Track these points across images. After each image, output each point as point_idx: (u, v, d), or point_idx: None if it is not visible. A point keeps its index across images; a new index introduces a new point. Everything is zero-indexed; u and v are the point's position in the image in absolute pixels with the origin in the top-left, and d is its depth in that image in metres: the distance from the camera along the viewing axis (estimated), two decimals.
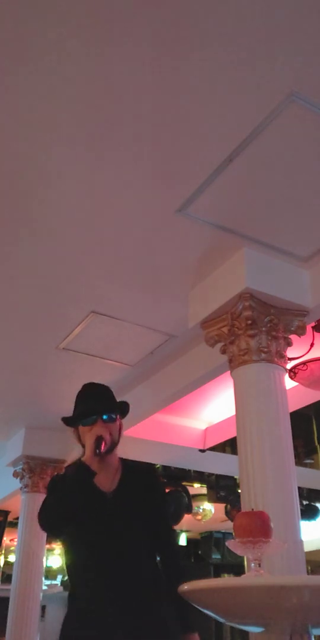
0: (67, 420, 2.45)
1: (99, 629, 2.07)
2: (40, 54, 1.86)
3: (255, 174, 2.36)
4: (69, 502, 2.22)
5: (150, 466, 2.47)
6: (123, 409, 2.39)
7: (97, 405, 2.35)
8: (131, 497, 2.26)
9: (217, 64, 1.88)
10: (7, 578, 7.67)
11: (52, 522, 2.33)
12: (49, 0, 1.71)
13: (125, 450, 2.43)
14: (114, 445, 2.29)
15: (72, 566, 2.32)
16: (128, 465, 2.37)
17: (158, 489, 2.44)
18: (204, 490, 6.53)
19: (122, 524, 2.20)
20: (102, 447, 2.18)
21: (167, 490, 6.22)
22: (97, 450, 2.17)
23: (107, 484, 2.28)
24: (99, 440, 2.20)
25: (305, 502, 6.56)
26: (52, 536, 2.50)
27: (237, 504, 5.90)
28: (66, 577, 10.70)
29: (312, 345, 3.40)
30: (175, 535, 2.28)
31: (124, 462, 2.38)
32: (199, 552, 8.90)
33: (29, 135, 2.18)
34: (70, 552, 2.33)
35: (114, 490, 2.27)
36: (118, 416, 2.35)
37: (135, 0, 1.70)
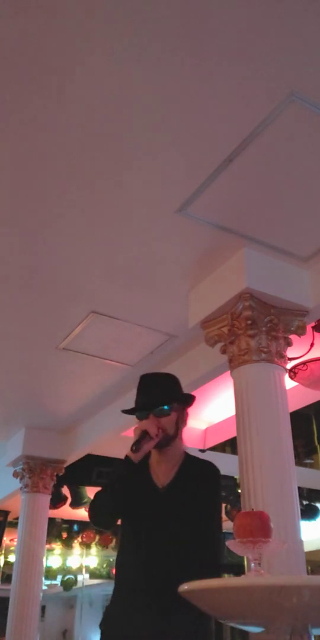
0: (126, 411, 2.36)
1: (128, 628, 2.06)
2: (40, 54, 1.86)
3: (255, 174, 2.36)
4: (117, 495, 2.18)
5: (211, 465, 2.36)
6: (183, 400, 2.32)
7: (147, 398, 2.27)
8: (184, 492, 2.19)
9: (217, 64, 1.88)
10: (7, 578, 7.69)
11: (97, 515, 2.28)
12: (49, 1, 1.71)
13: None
14: (168, 438, 2.23)
15: (119, 559, 2.29)
16: (189, 460, 2.30)
17: (210, 485, 2.28)
18: None
19: (171, 521, 2.14)
20: (143, 443, 2.15)
21: None
22: (134, 446, 2.14)
23: (163, 478, 2.24)
24: (143, 434, 2.16)
25: (305, 502, 6.56)
26: (101, 528, 2.43)
27: (237, 504, 5.91)
28: (66, 577, 10.72)
29: (312, 345, 3.40)
30: (214, 544, 2.19)
31: (187, 456, 2.31)
32: None
33: (29, 136, 2.18)
34: (120, 545, 2.31)
35: (168, 485, 2.22)
36: (175, 408, 2.27)
37: (135, 0, 1.70)
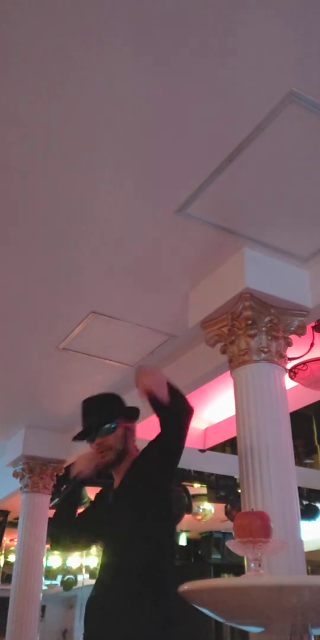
0: (76, 439, 2.44)
1: (89, 630, 2.13)
2: (40, 55, 1.86)
3: (255, 174, 2.36)
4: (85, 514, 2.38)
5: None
6: (128, 414, 2.37)
7: (91, 420, 2.33)
8: (131, 486, 2.23)
9: (217, 64, 1.88)
10: (7, 578, 7.68)
11: (57, 538, 2.46)
12: (49, 1, 1.71)
13: None
14: (118, 454, 2.28)
15: None
16: (134, 460, 2.31)
17: (148, 449, 2.28)
18: (204, 490, 6.53)
19: (120, 517, 2.20)
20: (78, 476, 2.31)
21: None
22: (65, 488, 2.31)
23: (117, 483, 2.33)
24: (72, 481, 2.32)
25: (305, 502, 6.55)
26: (58, 546, 2.49)
27: (237, 504, 5.90)
28: (66, 577, 10.73)
29: (312, 345, 3.40)
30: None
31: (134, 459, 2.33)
32: (199, 552, 8.90)
33: (29, 136, 2.18)
34: None
35: (118, 487, 2.30)
36: (120, 422, 2.31)
37: (135, 0, 1.70)
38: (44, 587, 6.10)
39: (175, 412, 2.19)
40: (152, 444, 2.24)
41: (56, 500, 2.54)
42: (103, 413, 2.33)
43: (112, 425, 2.29)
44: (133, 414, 2.39)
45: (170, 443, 2.20)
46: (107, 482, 2.42)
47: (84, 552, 10.14)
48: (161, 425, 2.17)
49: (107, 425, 2.28)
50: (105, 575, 2.18)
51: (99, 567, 2.31)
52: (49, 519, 2.51)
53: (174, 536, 2.32)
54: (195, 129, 2.14)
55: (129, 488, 2.23)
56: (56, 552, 10.28)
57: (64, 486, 2.50)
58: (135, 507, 2.17)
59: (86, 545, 2.52)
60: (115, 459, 2.28)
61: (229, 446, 5.35)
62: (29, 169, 2.34)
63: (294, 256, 2.85)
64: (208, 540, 8.69)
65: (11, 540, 8.21)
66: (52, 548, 2.41)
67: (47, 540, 5.27)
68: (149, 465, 2.20)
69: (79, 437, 2.38)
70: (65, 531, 2.34)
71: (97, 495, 2.45)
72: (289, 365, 3.14)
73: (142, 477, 2.21)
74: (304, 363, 3.39)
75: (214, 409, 4.96)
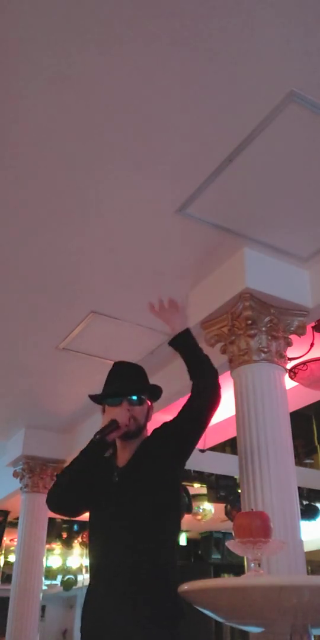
0: (93, 397, 2.30)
1: (90, 619, 2.00)
2: (40, 56, 1.86)
3: (255, 174, 2.36)
4: (78, 475, 2.12)
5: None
6: (153, 392, 2.29)
7: (125, 386, 2.22)
8: (140, 470, 2.12)
9: (217, 64, 1.88)
10: (7, 578, 7.68)
11: (50, 494, 2.19)
12: (50, 2, 1.71)
13: None
14: (139, 428, 2.18)
15: (88, 548, 2.22)
16: (145, 439, 2.22)
17: (163, 430, 2.21)
18: (204, 490, 6.53)
19: (128, 501, 2.07)
20: (111, 434, 2.09)
21: None
22: (99, 434, 2.08)
23: (124, 460, 2.18)
24: (112, 423, 2.09)
25: (305, 502, 6.55)
26: (59, 511, 2.28)
27: (237, 504, 5.90)
28: (66, 577, 10.73)
29: (312, 345, 3.40)
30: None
31: (145, 439, 2.23)
32: (199, 552, 8.90)
33: (29, 136, 2.18)
34: (88, 534, 2.23)
35: (124, 467, 2.16)
36: (147, 399, 2.24)
37: (136, 0, 1.70)
38: (44, 587, 6.10)
39: (211, 383, 2.22)
40: (167, 425, 2.17)
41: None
42: (137, 382, 2.26)
43: (142, 397, 2.22)
44: (157, 393, 2.31)
45: (190, 421, 2.19)
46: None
47: (84, 552, 10.13)
48: (193, 391, 2.18)
49: (139, 396, 2.20)
50: (107, 561, 2.02)
51: (94, 548, 2.12)
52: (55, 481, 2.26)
53: (178, 532, 2.19)
54: (195, 129, 2.14)
55: (138, 471, 2.12)
56: (56, 552, 10.29)
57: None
58: (144, 492, 2.06)
59: (77, 514, 2.26)
60: (134, 431, 2.16)
61: (229, 446, 5.35)
62: (29, 168, 2.34)
63: (294, 256, 2.85)
64: (208, 540, 8.69)
65: (11, 540, 8.21)
66: (50, 506, 2.19)
67: (47, 540, 5.28)
68: (162, 450, 2.12)
69: (100, 397, 2.26)
70: (72, 497, 2.16)
71: (92, 459, 2.17)
72: (289, 365, 3.14)
73: (153, 461, 2.11)
74: (304, 363, 3.39)
75: None
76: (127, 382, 2.24)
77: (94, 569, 2.10)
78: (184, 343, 2.32)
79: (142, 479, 2.10)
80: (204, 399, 2.23)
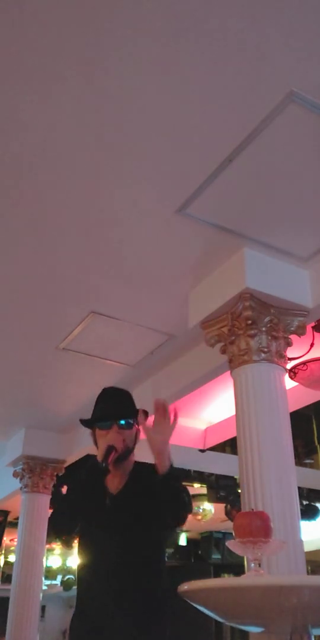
0: (84, 422, 2.41)
1: (90, 632, 2.12)
2: (40, 56, 1.86)
3: (255, 174, 2.36)
4: (75, 503, 2.23)
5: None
6: (137, 414, 2.36)
7: (114, 410, 2.33)
8: (134, 498, 2.23)
9: (217, 64, 1.88)
10: (7, 578, 7.67)
11: (58, 525, 2.32)
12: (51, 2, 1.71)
13: None
14: (128, 451, 2.29)
15: (79, 566, 2.34)
16: (139, 468, 2.33)
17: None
18: (204, 490, 6.53)
19: (121, 527, 2.19)
20: (110, 458, 2.18)
21: None
22: (104, 462, 2.17)
23: (115, 486, 2.28)
24: (109, 449, 2.19)
25: (305, 502, 6.55)
26: (62, 539, 2.53)
27: (237, 504, 5.90)
28: (66, 577, 10.73)
29: (312, 345, 3.40)
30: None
31: (136, 464, 2.35)
32: (199, 552, 8.90)
33: (29, 136, 2.18)
34: (79, 552, 2.35)
35: (118, 492, 2.26)
36: (135, 423, 2.33)
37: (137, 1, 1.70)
38: (44, 587, 6.10)
39: (182, 519, 2.24)
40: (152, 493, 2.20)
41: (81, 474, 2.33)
42: (126, 406, 2.36)
43: (131, 421, 2.31)
44: (144, 417, 2.38)
45: (161, 520, 2.23)
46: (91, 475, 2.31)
47: None
48: (160, 506, 2.17)
49: (129, 420, 2.30)
50: (99, 585, 2.16)
51: (85, 571, 2.26)
52: (54, 510, 2.39)
53: (164, 555, 2.38)
54: (195, 129, 2.14)
55: (130, 503, 2.23)
56: (56, 552, 10.30)
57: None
58: (135, 522, 2.19)
59: (73, 537, 2.47)
60: (124, 454, 2.26)
61: (229, 446, 5.34)
62: (29, 168, 2.34)
63: (294, 256, 2.85)
64: (208, 540, 8.69)
65: (11, 540, 8.21)
66: (55, 536, 2.39)
67: (47, 540, 5.28)
68: (153, 502, 2.18)
69: (91, 421, 2.35)
70: (71, 525, 2.30)
71: (81, 486, 2.29)
72: (289, 365, 3.14)
73: (143, 501, 2.21)
74: (304, 363, 3.39)
75: (214, 409, 4.95)
76: (116, 407, 2.34)
77: (90, 586, 2.22)
78: (166, 485, 2.18)
79: (134, 512, 2.21)
80: (175, 525, 2.33)
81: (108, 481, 2.27)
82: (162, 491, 2.14)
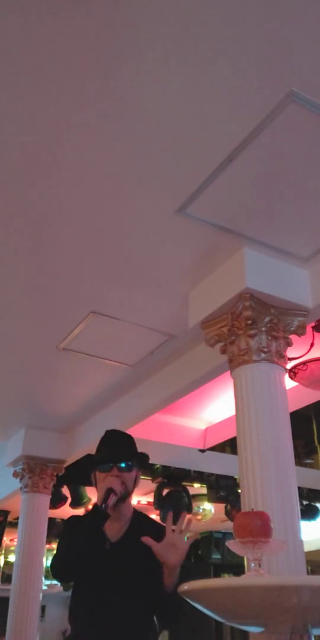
0: (87, 465, 2.47)
1: None
2: (40, 56, 1.86)
3: (255, 174, 2.36)
4: (77, 548, 2.20)
5: (161, 526, 2.34)
6: (141, 460, 2.43)
7: (115, 453, 2.36)
8: (134, 549, 2.21)
9: (217, 64, 1.88)
10: (7, 578, 7.67)
11: (60, 569, 2.29)
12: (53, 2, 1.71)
13: None
14: (127, 494, 2.31)
15: (73, 606, 2.33)
16: (139, 518, 2.37)
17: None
18: (204, 490, 6.53)
19: (119, 575, 2.20)
20: (109, 501, 2.18)
21: (167, 491, 6.23)
22: (103, 505, 2.17)
23: (115, 532, 2.29)
24: (108, 492, 2.20)
25: (305, 502, 6.55)
26: (64, 582, 2.54)
27: (237, 504, 5.90)
28: None
29: (312, 345, 3.40)
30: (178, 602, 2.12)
31: (137, 513, 2.38)
32: (199, 552, 8.90)
33: (30, 134, 2.18)
34: (74, 594, 2.35)
35: (119, 540, 2.28)
36: (135, 467, 2.37)
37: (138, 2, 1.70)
38: (44, 587, 6.09)
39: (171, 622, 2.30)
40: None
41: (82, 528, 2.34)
42: (126, 449, 2.40)
43: (130, 464, 2.35)
44: (144, 462, 2.45)
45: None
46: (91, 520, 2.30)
47: None
48: (156, 611, 2.24)
49: (128, 463, 2.34)
50: (96, 630, 2.16)
51: (81, 612, 2.25)
52: (57, 554, 2.35)
53: None
54: (195, 128, 2.14)
55: (130, 553, 2.23)
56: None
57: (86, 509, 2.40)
58: (134, 571, 2.21)
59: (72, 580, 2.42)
60: (122, 497, 2.28)
61: (229, 446, 5.34)
62: (28, 170, 2.34)
63: (294, 256, 2.85)
64: (208, 540, 8.68)
65: (11, 540, 8.21)
66: (53, 573, 2.34)
67: (47, 540, 5.28)
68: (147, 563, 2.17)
69: (94, 463, 2.40)
70: (72, 566, 2.27)
71: (83, 531, 2.25)
72: (289, 365, 3.14)
73: (143, 555, 2.18)
74: (304, 363, 3.39)
75: (214, 409, 4.96)
76: (116, 449, 2.38)
77: (85, 630, 2.22)
78: (169, 602, 2.17)
79: (133, 562, 2.22)
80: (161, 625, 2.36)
81: (107, 527, 2.25)
82: (164, 604, 2.18)
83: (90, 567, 2.20)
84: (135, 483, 2.36)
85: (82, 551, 2.17)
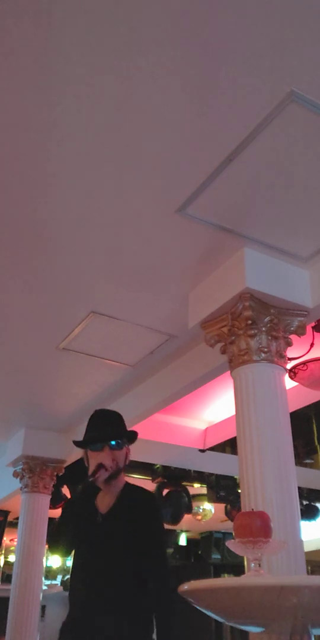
0: (77, 443, 2.54)
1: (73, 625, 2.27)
2: (41, 57, 1.86)
3: (254, 174, 2.36)
4: (68, 522, 2.37)
5: (150, 494, 2.56)
6: (131, 437, 2.50)
7: (105, 432, 2.45)
8: (122, 520, 2.34)
9: (217, 64, 1.88)
10: (7, 578, 7.67)
11: (54, 542, 2.49)
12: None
13: None
14: (118, 471, 2.40)
15: (70, 575, 2.50)
16: (129, 488, 2.46)
17: (155, 520, 2.44)
18: (204, 490, 6.53)
19: (106, 545, 2.30)
20: (98, 474, 2.31)
21: (167, 491, 6.23)
22: (91, 478, 2.31)
23: (105, 505, 2.40)
24: (98, 466, 2.33)
25: (305, 502, 6.55)
26: (60, 554, 2.74)
27: (237, 504, 5.90)
28: (66, 577, 10.73)
29: (312, 345, 3.40)
30: (167, 573, 2.30)
31: (127, 485, 2.47)
32: (199, 552, 8.90)
33: (30, 137, 2.18)
34: (71, 565, 2.50)
35: (108, 512, 2.38)
36: (125, 444, 2.46)
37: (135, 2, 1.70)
38: (44, 587, 6.09)
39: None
40: (148, 537, 2.33)
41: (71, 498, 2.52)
42: (116, 428, 2.49)
43: (120, 442, 2.43)
44: (134, 438, 2.52)
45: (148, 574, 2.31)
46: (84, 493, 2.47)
47: None
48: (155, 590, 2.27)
49: (118, 441, 2.42)
50: (86, 595, 2.27)
51: (75, 581, 2.40)
52: (53, 528, 2.58)
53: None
54: (195, 128, 2.13)
55: (119, 523, 2.34)
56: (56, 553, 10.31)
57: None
58: (123, 540, 2.30)
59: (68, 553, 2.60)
60: (114, 474, 2.38)
61: (229, 446, 5.35)
62: (28, 167, 2.34)
63: (294, 256, 2.85)
64: (208, 540, 8.68)
65: (11, 540, 8.21)
66: (51, 551, 2.59)
67: (47, 540, 5.28)
68: (139, 531, 2.31)
69: (84, 443, 2.48)
70: (65, 541, 2.42)
71: (76, 505, 2.48)
72: (289, 365, 3.14)
73: (131, 525, 2.32)
74: (304, 363, 3.39)
75: (214, 409, 4.96)
76: (107, 429, 2.47)
77: (76, 596, 2.37)
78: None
79: (122, 531, 2.33)
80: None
81: (98, 500, 2.42)
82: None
83: (83, 539, 2.36)
84: (126, 459, 2.45)
85: (68, 532, 2.36)
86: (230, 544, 1.79)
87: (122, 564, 2.27)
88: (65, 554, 2.68)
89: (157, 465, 6.03)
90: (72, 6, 1.72)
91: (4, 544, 8.30)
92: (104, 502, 2.41)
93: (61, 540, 2.41)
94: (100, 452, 2.38)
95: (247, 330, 2.73)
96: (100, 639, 2.15)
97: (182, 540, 8.77)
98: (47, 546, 5.01)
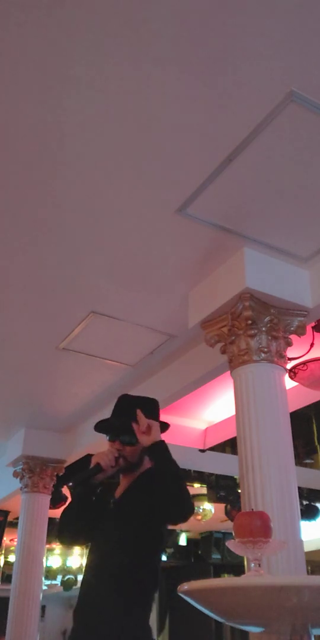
0: (98, 429, 2.41)
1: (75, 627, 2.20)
2: (43, 57, 1.86)
3: (255, 174, 2.36)
4: (67, 519, 2.33)
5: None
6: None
7: (118, 423, 2.31)
8: (131, 501, 2.26)
9: (217, 64, 1.88)
10: (7, 578, 7.68)
11: (59, 536, 2.43)
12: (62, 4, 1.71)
13: None
14: (131, 466, 2.29)
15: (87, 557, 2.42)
16: (148, 473, 2.29)
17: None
18: (204, 490, 6.52)
19: (119, 527, 2.23)
20: (97, 478, 2.25)
21: None
22: (79, 477, 2.28)
23: (121, 490, 2.35)
24: (96, 468, 2.23)
25: (305, 502, 6.55)
26: (68, 541, 2.60)
27: (237, 504, 5.90)
28: (66, 577, 10.73)
29: (312, 345, 3.40)
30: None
31: (147, 470, 2.30)
32: (199, 552, 8.90)
33: (32, 138, 2.18)
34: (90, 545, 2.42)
35: (120, 496, 2.32)
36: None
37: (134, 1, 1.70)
38: (44, 587, 6.10)
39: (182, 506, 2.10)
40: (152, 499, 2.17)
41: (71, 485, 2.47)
42: (132, 422, 2.22)
43: (133, 441, 2.24)
44: (162, 430, 2.32)
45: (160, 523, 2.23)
46: (110, 481, 2.40)
47: (84, 551, 10.15)
48: (161, 502, 2.09)
49: (129, 438, 2.25)
50: (93, 579, 2.22)
51: (86, 567, 2.34)
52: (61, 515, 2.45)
53: (159, 564, 2.31)
54: (195, 128, 2.14)
55: (128, 504, 2.27)
56: (56, 552, 10.32)
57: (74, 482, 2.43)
58: (131, 521, 2.20)
59: (83, 542, 2.52)
60: (126, 469, 2.30)
61: (229, 446, 5.35)
62: (28, 167, 2.34)
63: (294, 256, 2.85)
64: (208, 540, 8.69)
65: (11, 540, 8.21)
66: (59, 542, 2.49)
67: (47, 540, 5.29)
68: (146, 503, 2.16)
69: (101, 429, 2.38)
70: (71, 529, 2.36)
71: (96, 494, 2.38)
72: (289, 365, 3.14)
73: (140, 503, 2.20)
74: (304, 363, 3.39)
75: (214, 409, 4.95)
76: (121, 421, 2.29)
77: (87, 578, 2.28)
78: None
79: (132, 508, 2.23)
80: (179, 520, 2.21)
81: (118, 487, 2.36)
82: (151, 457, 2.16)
83: (96, 526, 2.27)
84: (142, 455, 2.28)
85: (71, 522, 2.30)
86: (230, 544, 1.79)
87: (131, 539, 2.16)
88: (67, 543, 2.60)
89: None
90: (73, 6, 1.72)
91: (4, 544, 8.30)
92: (122, 487, 2.35)
93: (67, 528, 2.33)
94: (112, 443, 2.29)
95: (247, 330, 2.73)
96: (100, 620, 2.07)
97: (182, 540, 8.77)
98: (48, 545, 5.01)
